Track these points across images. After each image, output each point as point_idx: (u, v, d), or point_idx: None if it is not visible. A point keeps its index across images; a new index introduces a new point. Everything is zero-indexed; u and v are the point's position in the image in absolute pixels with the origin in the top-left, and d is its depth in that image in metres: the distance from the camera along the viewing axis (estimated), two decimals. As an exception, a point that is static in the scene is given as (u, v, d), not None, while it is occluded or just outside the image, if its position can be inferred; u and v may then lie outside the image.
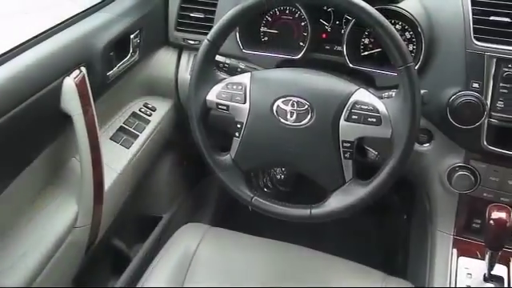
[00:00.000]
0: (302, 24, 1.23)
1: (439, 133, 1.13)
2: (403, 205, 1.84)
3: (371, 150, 1.04)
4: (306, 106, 0.95)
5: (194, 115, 1.03)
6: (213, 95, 1.01)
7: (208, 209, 1.85)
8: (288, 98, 0.96)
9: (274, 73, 1.02)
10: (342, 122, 0.94)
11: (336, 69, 1.15)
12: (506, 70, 1.01)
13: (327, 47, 1.25)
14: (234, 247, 1.24)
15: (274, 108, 0.97)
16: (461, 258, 1.15)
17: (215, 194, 1.83)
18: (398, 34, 0.89)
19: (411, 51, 1.15)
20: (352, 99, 0.94)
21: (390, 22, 1.15)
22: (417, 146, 1.16)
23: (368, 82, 1.14)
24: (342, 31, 1.17)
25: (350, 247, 1.77)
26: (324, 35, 1.25)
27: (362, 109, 0.93)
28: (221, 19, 0.98)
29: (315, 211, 0.99)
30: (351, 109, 0.93)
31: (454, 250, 1.17)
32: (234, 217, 1.81)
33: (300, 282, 1.14)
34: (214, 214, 1.85)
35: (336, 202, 0.98)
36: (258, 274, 1.15)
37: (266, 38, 1.30)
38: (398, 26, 1.17)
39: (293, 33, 1.27)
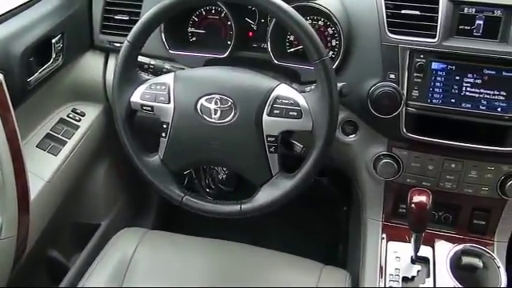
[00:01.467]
0: (229, 23, 1.24)
1: (363, 123, 1.17)
2: (343, 196, 1.89)
3: (297, 143, 1.06)
4: (230, 103, 0.97)
5: (118, 117, 1.02)
6: (137, 97, 1.01)
7: (150, 212, 1.83)
8: (211, 96, 0.97)
9: (197, 71, 1.03)
10: (264, 117, 0.96)
11: (262, 66, 1.18)
12: (418, 60, 1.06)
13: (254, 45, 1.27)
14: (172, 249, 1.23)
15: (198, 106, 0.98)
16: (390, 243, 1.20)
17: (157, 196, 1.82)
18: (311, 30, 0.92)
19: (334, 46, 1.19)
20: (273, 94, 0.96)
21: (312, 18, 1.21)
22: (343, 137, 1.20)
23: (293, 77, 1.16)
24: (268, 29, 1.19)
25: (294, 241, 1.81)
26: (250, 33, 1.27)
27: (283, 103, 0.95)
28: (139, 20, 0.97)
29: (245, 206, 1.01)
30: (273, 104, 0.95)
31: (384, 236, 1.22)
32: (177, 219, 1.80)
33: (238, 278, 1.15)
34: (156, 217, 1.84)
35: (264, 196, 1.00)
36: (196, 273, 1.16)
37: (194, 39, 1.31)
38: (320, 23, 1.21)
39: (220, 32, 1.28)
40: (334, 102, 0.92)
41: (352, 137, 1.20)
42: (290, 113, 0.95)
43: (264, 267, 1.19)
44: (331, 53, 1.19)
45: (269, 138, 0.96)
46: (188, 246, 1.25)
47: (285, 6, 0.91)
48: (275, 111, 0.95)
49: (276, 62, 1.18)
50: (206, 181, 2.05)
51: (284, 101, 0.95)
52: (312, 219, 1.99)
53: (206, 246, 1.25)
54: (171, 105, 0.99)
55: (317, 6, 1.13)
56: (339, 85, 1.01)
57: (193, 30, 1.30)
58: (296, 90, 0.98)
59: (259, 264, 1.20)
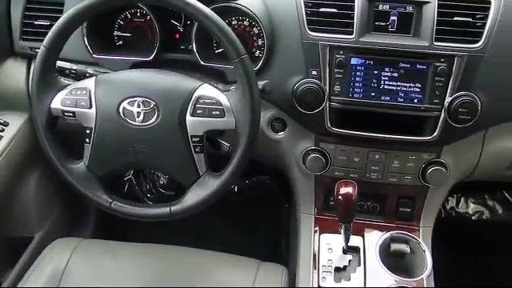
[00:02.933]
0: (154, 26, 1.24)
1: (291, 120, 1.20)
2: (284, 194, 1.92)
3: (224, 142, 1.07)
4: (152, 105, 0.96)
5: (39, 125, 1.00)
6: (57, 103, 0.99)
7: (89, 221, 1.79)
8: (134, 99, 0.97)
9: (119, 75, 1.02)
10: (188, 117, 0.96)
11: (189, 67, 1.18)
12: (338, 56, 1.09)
13: (182, 47, 1.27)
14: (108, 256, 1.21)
15: (121, 110, 0.97)
16: (322, 235, 1.23)
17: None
18: (229, 29, 0.93)
19: (260, 45, 1.21)
20: (196, 94, 0.96)
21: (238, 18, 1.22)
22: (273, 135, 1.23)
23: (220, 77, 1.17)
24: (193, 30, 1.19)
25: (238, 241, 1.82)
26: (177, 35, 1.27)
27: (205, 103, 0.96)
28: (54, 25, 0.95)
29: (175, 208, 1.01)
30: (195, 104, 0.96)
31: (316, 228, 1.25)
32: (119, 226, 1.77)
33: (174, 280, 1.15)
34: (96, 226, 1.80)
35: (193, 196, 1.00)
36: (132, 278, 1.14)
37: (120, 42, 1.29)
38: (245, 23, 1.23)
39: (147, 35, 1.27)
40: (254, 100, 0.94)
41: (281, 134, 1.22)
42: (213, 112, 0.96)
43: (201, 268, 1.19)
44: (258, 52, 1.21)
45: (193, 139, 0.97)
46: (124, 252, 1.23)
47: (201, 6, 0.92)
48: (198, 111, 0.96)
49: (202, 62, 1.18)
50: (147, 186, 2.03)
51: (206, 100, 0.96)
52: (255, 218, 2.01)
53: (142, 251, 1.24)
54: (93, 109, 0.98)
55: (238, 6, 1.14)
56: (262, 83, 1.03)
57: (119, 33, 1.29)
58: (219, 89, 1.00)
59: (196, 265, 1.20)
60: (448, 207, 2.05)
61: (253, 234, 1.95)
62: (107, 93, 0.98)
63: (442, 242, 1.77)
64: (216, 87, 1.00)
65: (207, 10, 0.93)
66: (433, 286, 1.14)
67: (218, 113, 0.96)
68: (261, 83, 1.03)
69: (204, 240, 1.85)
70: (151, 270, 1.17)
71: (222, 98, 0.96)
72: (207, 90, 0.97)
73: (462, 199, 2.05)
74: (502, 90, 1.09)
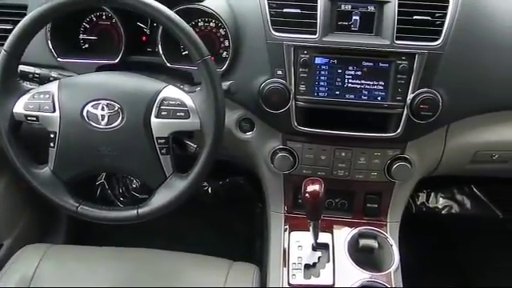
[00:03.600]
0: (120, 29, 1.23)
1: (258, 120, 1.21)
2: (258, 194, 1.93)
3: (190, 143, 1.07)
4: (117, 108, 0.96)
5: (2, 130, 0.99)
6: (19, 107, 0.98)
7: (61, 227, 1.77)
8: (97, 102, 0.97)
9: (82, 78, 1.02)
10: (153, 119, 0.96)
11: (156, 69, 1.18)
12: (303, 56, 1.11)
13: (149, 49, 1.27)
14: (77, 261, 1.20)
15: (85, 113, 0.97)
16: (292, 233, 1.24)
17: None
18: (191, 30, 0.94)
19: (227, 46, 1.22)
20: (160, 96, 0.97)
21: (204, 20, 1.23)
22: (241, 135, 1.24)
23: (187, 79, 1.17)
24: (158, 32, 1.19)
25: (213, 242, 1.82)
26: (144, 38, 1.27)
27: (170, 104, 0.96)
28: (15, 28, 0.94)
29: (142, 210, 1.01)
30: (160, 105, 0.96)
31: (286, 227, 1.26)
32: (92, 231, 1.75)
33: (145, 283, 1.14)
34: (67, 232, 1.78)
35: (161, 198, 1.00)
36: (102, 283, 1.13)
37: (86, 45, 1.29)
38: (212, 24, 1.23)
39: (113, 38, 1.27)
40: (219, 101, 0.95)
41: (249, 134, 1.23)
42: (178, 113, 0.96)
43: (171, 270, 1.19)
44: (225, 53, 1.22)
45: (159, 140, 0.97)
46: (95, 256, 1.22)
47: (162, 8, 0.93)
48: (163, 113, 0.96)
49: (169, 64, 1.18)
50: (120, 190, 2.02)
51: (171, 102, 0.97)
52: (230, 218, 2.02)
53: (113, 255, 1.24)
54: (56, 113, 0.97)
55: (203, 8, 1.15)
56: (227, 83, 1.04)
57: (84, 36, 1.28)
58: (184, 90, 1.00)
59: (167, 267, 1.20)
60: (419, 202, 2.09)
61: (227, 234, 1.96)
62: (71, 96, 0.98)
63: (413, 237, 1.81)
64: (181, 89, 1.01)
65: (169, 11, 0.93)
66: (400, 279, 1.17)
67: (182, 114, 0.96)
68: (226, 84, 1.04)
69: (179, 242, 1.85)
70: (121, 274, 1.16)
71: (187, 100, 0.97)
72: (172, 92, 0.98)
73: (432, 194, 2.10)
74: (462, 86, 1.12)
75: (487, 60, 1.13)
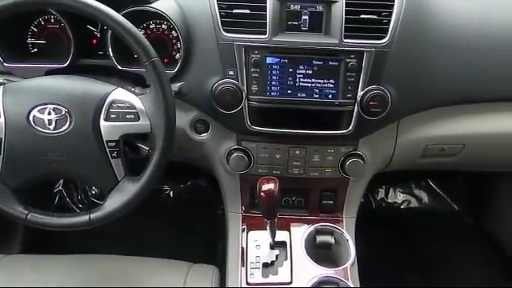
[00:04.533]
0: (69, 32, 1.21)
1: (213, 121, 1.21)
2: (220, 196, 1.93)
3: (142, 146, 1.06)
4: (64, 112, 0.95)
5: None
6: None
7: (16, 236, 1.72)
8: (44, 106, 0.95)
9: (28, 82, 0.99)
10: (102, 122, 0.95)
11: (108, 72, 1.16)
12: (254, 56, 1.11)
13: (100, 52, 1.25)
14: (32, 271, 1.17)
15: (31, 118, 0.94)
16: (250, 233, 1.25)
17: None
18: (138, 32, 0.93)
19: (180, 48, 1.21)
20: (109, 99, 0.96)
21: (155, 22, 1.22)
22: (196, 136, 1.24)
23: (139, 81, 1.16)
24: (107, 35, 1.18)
25: (176, 245, 1.81)
26: (95, 41, 1.25)
27: (119, 107, 0.95)
28: None
29: (94, 215, 0.99)
30: (109, 108, 0.95)
31: (244, 227, 1.27)
32: (50, 239, 1.71)
33: None
34: (24, 241, 1.73)
35: (113, 202, 0.99)
36: None
37: (35, 50, 1.26)
38: (164, 26, 1.23)
39: (62, 41, 1.25)
40: (168, 102, 0.94)
41: (204, 135, 1.23)
42: (127, 116, 0.95)
43: (130, 275, 1.18)
44: (178, 55, 1.22)
45: (109, 144, 0.96)
46: (51, 265, 1.20)
47: (107, 10, 0.92)
48: (112, 116, 0.95)
49: (120, 67, 1.17)
50: (79, 197, 1.99)
51: (120, 104, 0.96)
52: (193, 221, 2.01)
53: (70, 263, 1.21)
54: (1, 119, 0.95)
55: (153, 10, 1.14)
56: (177, 84, 1.04)
57: (33, 40, 1.25)
58: (134, 93, 0.99)
59: (125, 273, 1.19)
60: (378, 198, 2.14)
61: (190, 236, 1.95)
62: (16, 101, 0.95)
63: (373, 232, 1.85)
64: (131, 91, 1.00)
65: (113, 13, 0.92)
66: (357, 273, 1.19)
67: (132, 116, 0.95)
68: (176, 85, 1.04)
69: (142, 247, 1.84)
70: (79, 282, 1.14)
71: (136, 102, 0.96)
72: (121, 94, 0.97)
73: (391, 190, 2.15)
74: (408, 82, 1.15)
75: (431, 57, 1.16)
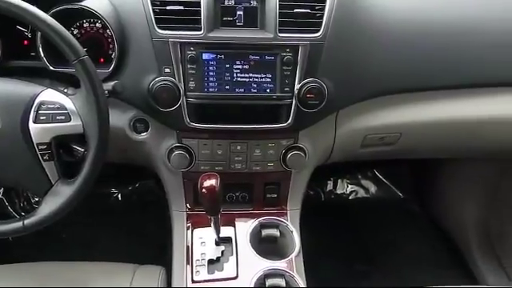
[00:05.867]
0: None
1: (152, 119, 1.20)
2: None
3: (77, 147, 1.03)
4: None
5: None
6: None
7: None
8: None
9: None
10: (31, 124, 0.92)
11: (39, 73, 1.13)
12: (189, 52, 1.10)
13: (32, 53, 1.20)
14: None
15: None
16: (195, 230, 1.24)
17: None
18: (64, 30, 0.91)
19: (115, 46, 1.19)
20: (38, 100, 0.93)
21: (89, 21, 1.19)
22: (136, 136, 1.22)
23: (73, 82, 1.13)
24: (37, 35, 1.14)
25: (127, 248, 1.78)
26: (26, 42, 1.21)
27: (49, 108, 0.93)
28: None
29: (28, 221, 0.96)
30: (38, 110, 0.92)
31: (189, 225, 1.26)
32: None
33: None
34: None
35: (48, 206, 0.97)
36: None
37: None
38: (98, 25, 1.20)
39: None
40: (100, 101, 0.93)
41: (144, 134, 1.22)
42: (58, 117, 0.93)
43: (74, 281, 1.15)
44: (114, 54, 1.19)
45: (40, 146, 0.93)
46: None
47: (31, 8, 0.89)
48: (42, 117, 0.93)
49: (52, 68, 1.14)
50: (21, 204, 1.92)
51: (50, 106, 0.93)
52: (143, 222, 1.99)
53: (10, 271, 1.17)
54: None
55: (84, 8, 1.11)
56: (111, 83, 1.02)
57: None
58: (64, 93, 0.97)
59: (69, 278, 1.16)
60: (327, 190, 2.18)
61: (140, 238, 1.92)
62: None
63: (323, 224, 1.89)
64: (62, 91, 0.97)
65: (39, 12, 0.89)
66: (302, 264, 1.20)
67: (63, 117, 0.93)
68: (110, 84, 1.02)
69: (90, 252, 1.79)
70: None
71: (67, 102, 0.94)
72: (50, 95, 0.94)
73: (339, 181, 2.20)
74: (344, 74, 1.18)
75: (365, 49, 1.19)
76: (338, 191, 2.18)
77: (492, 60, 1.26)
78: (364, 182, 2.19)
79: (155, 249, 1.87)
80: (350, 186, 2.19)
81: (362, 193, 2.18)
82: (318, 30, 1.13)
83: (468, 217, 1.90)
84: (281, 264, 1.17)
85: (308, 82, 1.13)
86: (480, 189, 1.86)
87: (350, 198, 2.18)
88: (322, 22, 1.14)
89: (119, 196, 2.07)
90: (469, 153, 1.58)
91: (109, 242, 1.90)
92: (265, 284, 1.13)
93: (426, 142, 1.41)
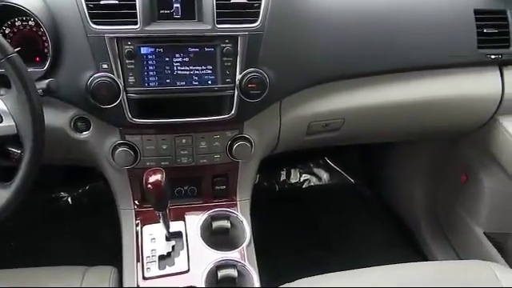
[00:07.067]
0: None
1: (93, 117, 1.17)
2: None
3: (13, 149, 1.00)
4: None
5: None
6: None
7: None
8: None
9: None
10: None
11: None
12: (127, 47, 1.09)
13: None
14: None
15: None
16: (145, 227, 1.23)
17: None
18: None
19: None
20: None
21: (21, 19, 1.14)
22: (78, 135, 1.19)
23: (4, 82, 1.09)
24: None
25: (80, 253, 1.74)
26: None
27: None
28: None
29: None
30: None
31: (138, 222, 1.24)
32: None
33: None
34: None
35: None
36: None
37: None
38: (31, 23, 1.15)
39: None
40: (32, 100, 0.90)
41: (86, 133, 1.19)
42: None
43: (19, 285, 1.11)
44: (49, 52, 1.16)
45: None
46: None
47: None
48: None
49: None
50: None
51: None
52: (96, 224, 1.95)
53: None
54: None
55: (13, 5, 1.07)
56: (45, 81, 0.99)
57: None
58: None
59: (16, 284, 1.12)
60: (281, 180, 2.21)
61: (94, 240, 1.88)
62: None
63: (277, 214, 1.91)
64: None
65: None
66: (253, 253, 1.21)
67: None
68: (44, 82, 0.99)
69: (42, 259, 1.74)
70: None
71: None
72: None
73: (292, 171, 2.23)
74: (284, 63, 1.19)
75: (305, 38, 1.21)
76: (292, 181, 2.21)
77: (415, 46, 1.32)
78: (316, 170, 2.23)
79: (109, 250, 1.84)
80: (302, 174, 2.22)
81: (314, 181, 2.22)
82: (255, 20, 1.14)
83: (416, 198, 1.97)
84: (232, 254, 1.18)
85: (249, 72, 1.14)
86: (425, 170, 1.93)
87: (304, 186, 2.21)
88: (259, 12, 1.14)
89: (69, 199, 2.02)
90: (408, 136, 1.63)
91: (61, 247, 1.85)
92: (217, 275, 1.13)
93: (368, 127, 1.44)
